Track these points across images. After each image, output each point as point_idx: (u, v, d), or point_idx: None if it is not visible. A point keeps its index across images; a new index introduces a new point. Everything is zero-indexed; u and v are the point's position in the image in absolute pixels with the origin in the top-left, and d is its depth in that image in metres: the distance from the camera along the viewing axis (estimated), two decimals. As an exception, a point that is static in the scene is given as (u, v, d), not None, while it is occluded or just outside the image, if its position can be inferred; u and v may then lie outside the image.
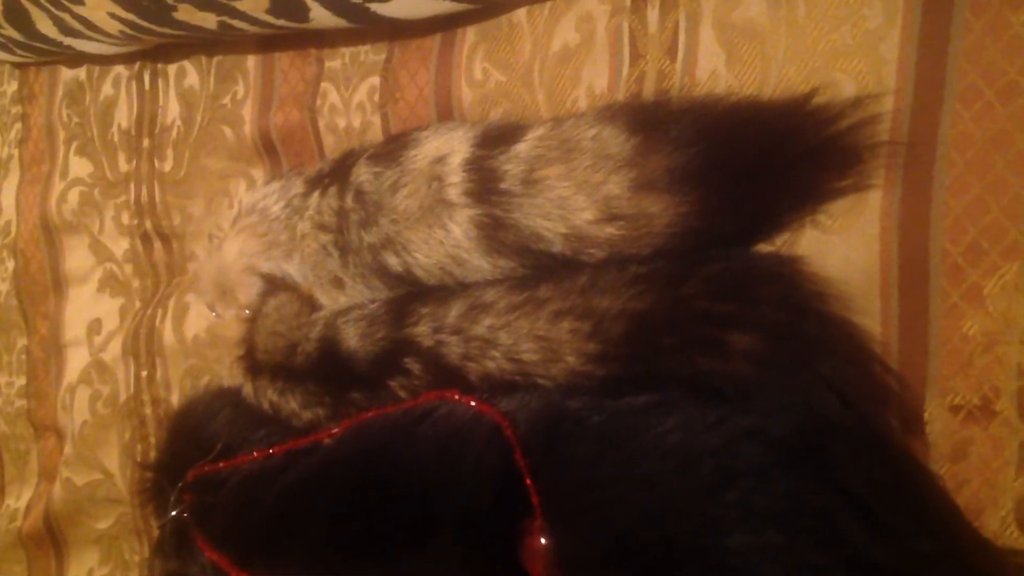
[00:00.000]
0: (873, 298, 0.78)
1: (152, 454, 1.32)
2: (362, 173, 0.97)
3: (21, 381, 1.52)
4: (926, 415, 0.77)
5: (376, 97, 1.08)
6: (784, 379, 0.77)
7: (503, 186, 0.87)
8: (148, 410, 1.31)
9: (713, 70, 0.86)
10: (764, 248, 0.82)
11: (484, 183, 0.88)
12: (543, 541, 0.79)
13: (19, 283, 1.50)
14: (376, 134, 1.08)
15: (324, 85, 1.12)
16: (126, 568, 1.38)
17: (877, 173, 0.78)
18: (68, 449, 1.41)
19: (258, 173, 1.21)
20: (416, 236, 0.92)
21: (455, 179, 0.90)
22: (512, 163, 0.88)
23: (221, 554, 0.95)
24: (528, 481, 0.80)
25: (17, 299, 1.51)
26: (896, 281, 0.77)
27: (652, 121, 0.84)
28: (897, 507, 0.73)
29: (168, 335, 1.28)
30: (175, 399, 1.29)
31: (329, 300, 1.02)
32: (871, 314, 0.78)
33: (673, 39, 0.88)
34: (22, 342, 1.52)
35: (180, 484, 1.02)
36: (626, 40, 0.91)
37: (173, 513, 1.02)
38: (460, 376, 0.89)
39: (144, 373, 1.31)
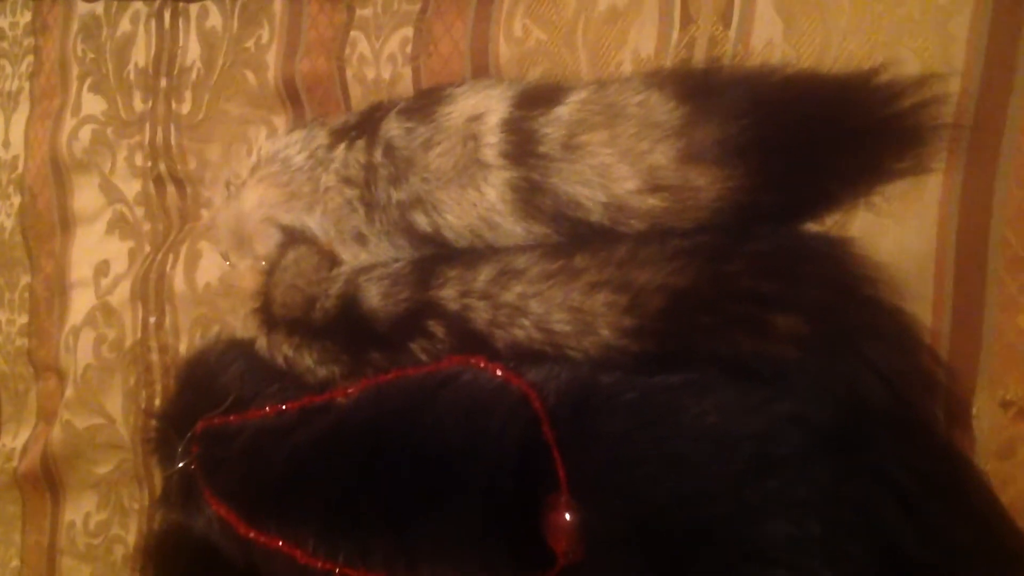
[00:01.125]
0: (926, 286, 0.76)
1: (158, 402, 1.30)
2: (392, 128, 0.94)
3: (23, 320, 1.49)
4: (974, 409, 0.75)
5: (408, 49, 1.04)
6: (828, 364, 0.74)
7: (542, 149, 0.84)
8: (155, 357, 1.29)
9: (769, 39, 0.82)
10: (813, 228, 0.79)
11: (522, 145, 0.85)
12: (568, 517, 0.76)
13: (25, 220, 1.47)
14: (406, 87, 1.04)
15: (354, 33, 1.08)
16: (124, 515, 1.36)
17: (938, 157, 0.75)
18: (69, 392, 1.38)
19: (280, 121, 1.18)
20: (448, 196, 0.89)
21: (491, 139, 0.87)
22: (552, 126, 0.85)
23: (229, 509, 0.92)
24: (555, 455, 0.77)
25: (22, 236, 1.48)
26: (952, 270, 0.75)
27: (703, 90, 0.81)
28: (940, 502, 0.71)
29: (179, 282, 1.26)
30: (183, 347, 1.26)
31: (350, 256, 0.99)
32: (923, 302, 0.76)
33: (728, 5, 0.85)
34: (25, 280, 1.49)
35: (188, 435, 0.99)
36: (677, 3, 0.88)
37: (180, 464, 0.99)
38: (486, 343, 0.87)
39: (152, 319, 1.28)
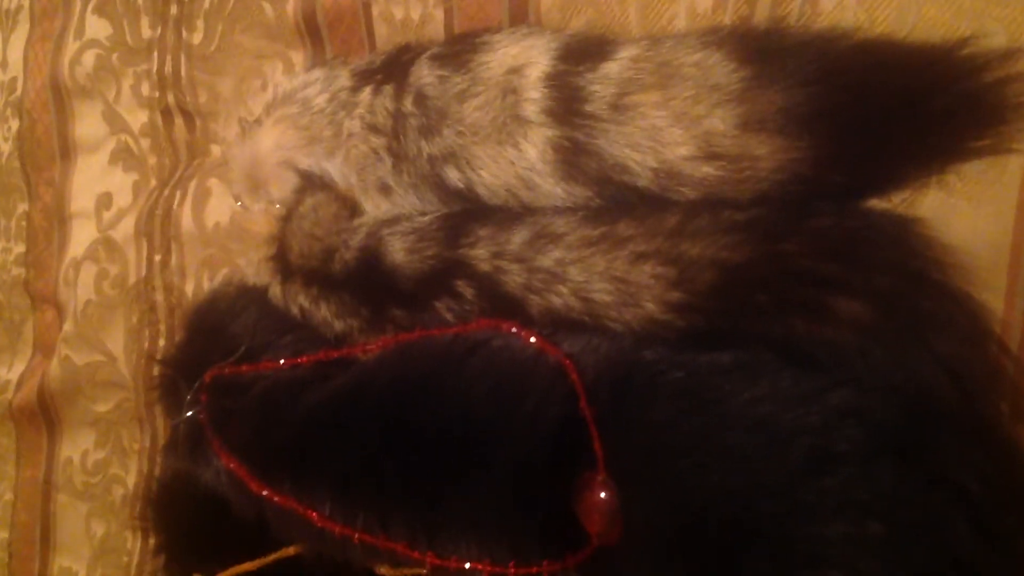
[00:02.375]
0: (1000, 274, 0.72)
1: (162, 342, 1.26)
2: (424, 75, 0.89)
3: (20, 248, 1.45)
4: (1041, 406, 0.71)
5: (440, -11, 0.98)
6: (891, 353, 0.70)
7: (588, 108, 0.79)
8: (159, 296, 1.24)
9: (840, 0, 0.76)
10: (879, 205, 0.74)
11: (567, 102, 0.80)
12: (604, 495, 0.73)
13: (23, 145, 1.41)
14: (436, 30, 0.99)
15: (381, -31, 1.02)
16: (124, 455, 1.33)
17: (1021, 138, 0.69)
18: (68, 326, 1.34)
19: (298, 57, 1.12)
20: (484, 152, 0.84)
21: (534, 94, 0.82)
22: (600, 84, 0.80)
23: (240, 463, 0.89)
24: (593, 431, 0.74)
25: (20, 161, 1.42)
26: (1029, 259, 0.71)
27: (766, 52, 0.76)
28: (1004, 507, 0.67)
29: (187, 220, 1.21)
30: (190, 288, 1.22)
31: (373, 206, 0.94)
32: (995, 291, 0.72)
33: (796, -40, 0.79)
34: (23, 207, 1.44)
35: (197, 384, 0.95)
36: (740, -45, 0.81)
37: (188, 413, 0.95)
38: (519, 308, 0.83)
39: (158, 257, 1.24)
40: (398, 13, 1.01)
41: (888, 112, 0.72)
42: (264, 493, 0.86)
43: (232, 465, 0.89)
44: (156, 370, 1.12)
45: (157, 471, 1.25)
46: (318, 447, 0.86)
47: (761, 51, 0.76)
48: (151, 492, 1.18)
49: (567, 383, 0.77)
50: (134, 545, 1.30)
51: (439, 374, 0.83)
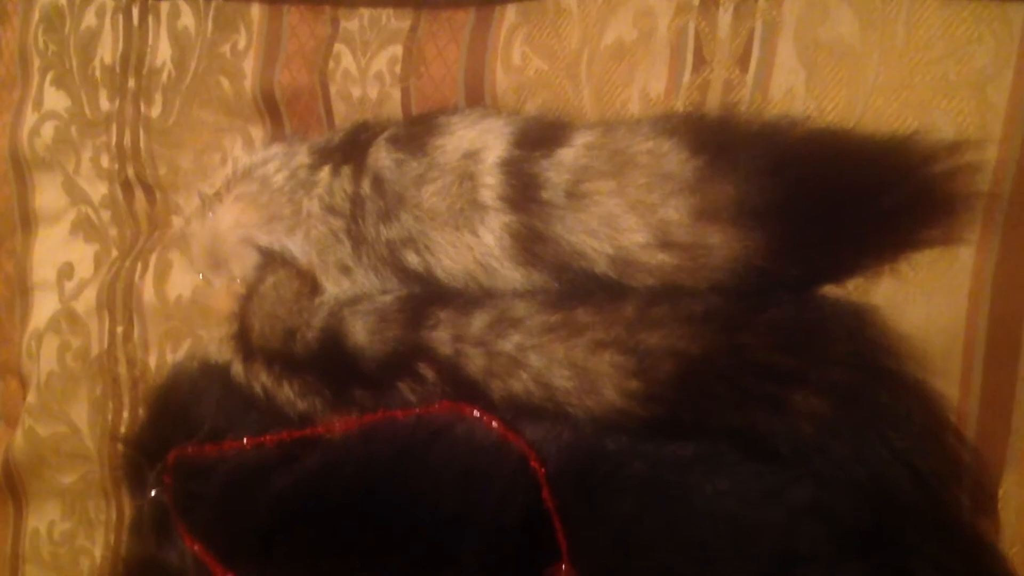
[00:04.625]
0: (954, 362, 0.72)
1: (125, 415, 1.25)
2: (382, 157, 0.89)
3: (-18, 320, 1.43)
4: (1001, 492, 0.71)
5: (397, 69, 0.98)
6: (851, 448, 0.70)
7: (544, 195, 0.79)
8: (122, 369, 1.23)
9: (790, 88, 0.77)
10: (833, 292, 0.75)
11: (523, 189, 0.81)
12: (569, 586, 0.73)
13: (-17, 216, 1.39)
14: (394, 109, 0.98)
15: (338, 47, 1.02)
16: (90, 526, 1.31)
17: (972, 228, 0.70)
18: (32, 397, 1.32)
19: (257, 132, 1.11)
20: (442, 238, 0.84)
21: (490, 180, 0.82)
22: (555, 171, 0.80)
23: (206, 549, 0.88)
24: (556, 523, 0.74)
25: (-20, 232, 1.40)
26: (982, 347, 0.71)
27: (718, 141, 0.77)
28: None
29: (148, 292, 1.20)
30: (153, 361, 1.21)
31: (334, 285, 0.94)
32: (949, 379, 0.72)
33: (746, 48, 0.80)
34: (-16, 277, 1.42)
35: (160, 465, 0.95)
36: (691, 43, 0.82)
37: (152, 494, 0.95)
38: (480, 391, 0.83)
39: (120, 329, 1.22)
40: (355, 92, 1.01)
41: (840, 204, 0.72)
42: (231, 580, 0.85)
43: (197, 549, 0.88)
44: (119, 449, 1.11)
45: (123, 546, 1.23)
46: (284, 535, 0.85)
47: (713, 140, 0.76)
48: (116, 572, 1.17)
49: (530, 472, 0.76)
50: (102, 619, 1.29)
51: (403, 460, 0.83)
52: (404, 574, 0.78)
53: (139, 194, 1.24)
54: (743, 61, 0.80)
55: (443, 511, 0.78)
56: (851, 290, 0.74)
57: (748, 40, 0.79)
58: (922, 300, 0.72)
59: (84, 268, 1.30)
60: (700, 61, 0.82)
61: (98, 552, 1.31)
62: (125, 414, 1.25)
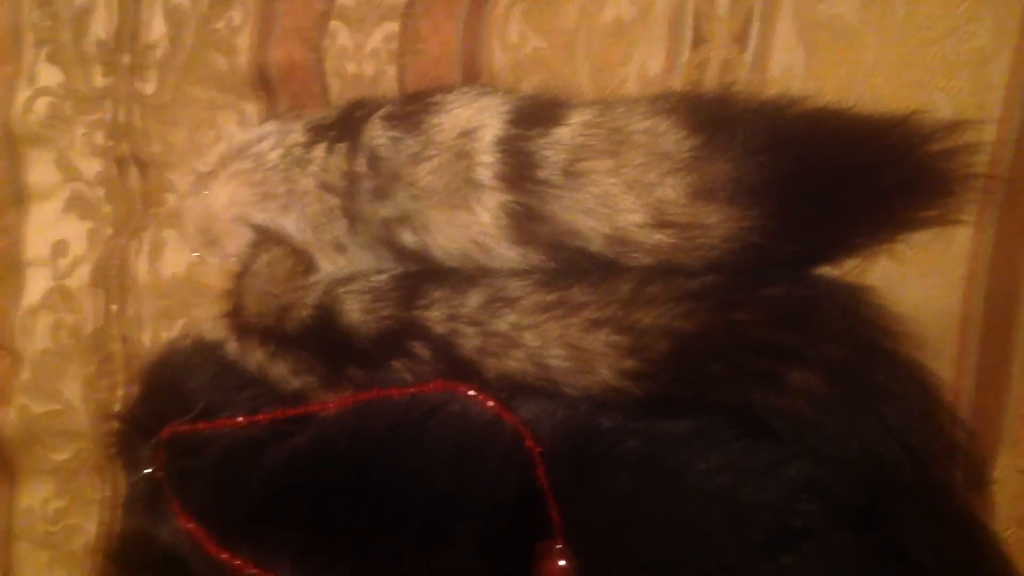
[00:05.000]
0: (950, 342, 0.72)
1: (120, 392, 1.24)
2: (377, 135, 0.88)
3: (-26, 295, 1.42)
4: (995, 473, 0.71)
5: (393, 45, 0.97)
6: (845, 425, 0.70)
7: (541, 174, 0.79)
8: (117, 346, 1.23)
9: (788, 67, 0.77)
10: (830, 272, 0.74)
11: (519, 168, 0.80)
12: (562, 564, 0.73)
13: (-25, 191, 1.38)
14: (390, 86, 0.98)
15: (334, 24, 1.01)
16: (85, 504, 1.30)
17: (969, 209, 0.70)
18: (25, 374, 1.32)
19: (251, 109, 1.11)
20: (438, 216, 0.84)
21: (487, 159, 0.82)
22: (552, 149, 0.80)
23: (199, 525, 0.88)
24: (550, 501, 0.74)
25: (-28, 208, 1.39)
26: (978, 327, 0.72)
27: (716, 120, 0.77)
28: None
29: (142, 270, 1.19)
30: (147, 338, 1.20)
31: (328, 263, 0.94)
32: (945, 359, 0.73)
33: (744, 26, 0.79)
34: (-24, 253, 1.41)
35: (154, 441, 0.95)
36: (689, 20, 0.82)
37: (145, 472, 0.94)
38: (475, 370, 0.83)
39: (114, 307, 1.22)
40: (351, 68, 1.00)
41: (837, 183, 0.72)
42: (223, 556, 0.85)
43: (190, 526, 0.88)
44: (113, 426, 1.11)
45: (117, 524, 1.23)
46: (277, 511, 0.85)
47: (710, 119, 0.76)
48: (110, 548, 1.17)
49: (524, 450, 0.76)
50: (96, 595, 1.29)
51: (397, 437, 0.82)
52: (397, 551, 0.78)
53: (133, 171, 1.23)
54: (741, 39, 0.79)
55: (437, 489, 0.78)
56: (848, 270, 0.74)
57: (747, 18, 0.79)
58: (918, 280, 0.72)
59: (78, 245, 1.29)
60: (699, 39, 0.81)
61: (92, 529, 1.31)
62: (119, 391, 1.25)
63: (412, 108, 0.89)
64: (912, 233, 0.73)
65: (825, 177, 0.73)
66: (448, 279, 0.85)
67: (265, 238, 0.99)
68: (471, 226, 0.82)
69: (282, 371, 0.93)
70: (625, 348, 0.76)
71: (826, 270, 0.75)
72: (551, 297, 0.79)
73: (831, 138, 0.74)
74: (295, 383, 0.93)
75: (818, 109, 0.75)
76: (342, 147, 0.91)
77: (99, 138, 1.22)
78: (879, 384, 0.71)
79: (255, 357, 0.95)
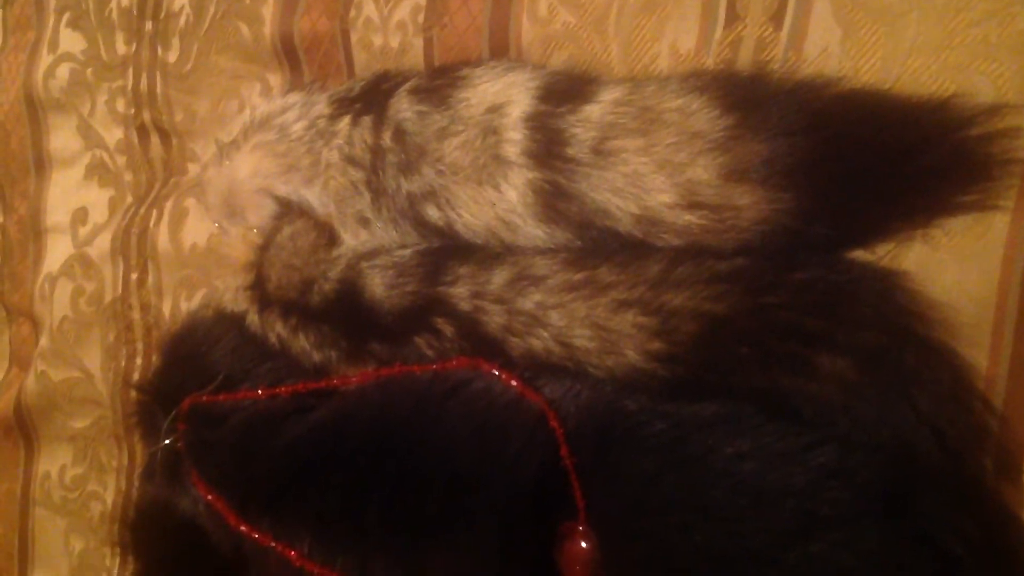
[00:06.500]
0: (984, 330, 0.71)
1: (138, 361, 1.24)
2: (404, 109, 0.88)
3: (-6, 260, 1.42)
4: (1026, 462, 0.70)
5: (420, 18, 0.96)
6: (876, 411, 0.69)
7: (569, 152, 0.78)
8: (136, 315, 1.23)
9: (825, 47, 0.76)
10: (863, 257, 0.73)
11: (548, 145, 0.79)
12: (584, 545, 0.72)
13: (-4, 156, 1.38)
14: (416, 59, 0.97)
15: (360, -6, 1.00)
16: (102, 471, 1.31)
17: (1007, 194, 0.69)
18: (44, 341, 1.32)
19: (275, 79, 1.10)
20: (464, 192, 0.83)
21: (514, 135, 0.81)
22: (581, 127, 0.79)
23: (218, 496, 0.88)
24: (574, 481, 0.73)
25: (-7, 173, 1.39)
26: (1014, 315, 0.70)
27: (750, 99, 0.75)
28: (989, 567, 0.67)
29: (163, 240, 1.19)
30: (167, 308, 1.20)
31: (351, 237, 0.93)
32: (979, 347, 0.71)
33: (781, 4, 0.78)
34: (-3, 218, 1.42)
35: (175, 412, 0.94)
36: (723, -3, 0.80)
37: (166, 442, 0.94)
38: (499, 348, 0.82)
39: (134, 276, 1.22)
40: (377, 40, 0.99)
41: (873, 166, 0.71)
42: (242, 528, 0.85)
43: (210, 498, 0.88)
44: (133, 395, 1.11)
45: (135, 491, 1.24)
46: (297, 484, 0.85)
47: (744, 99, 0.75)
48: (128, 517, 1.17)
49: (548, 430, 0.75)
50: (112, 563, 1.29)
51: (420, 414, 0.82)
52: (418, 527, 0.77)
53: (155, 140, 1.23)
54: (777, 18, 0.78)
55: (458, 466, 0.78)
56: (882, 255, 0.73)
57: (783, -4, 0.77)
58: (954, 266, 0.71)
59: (98, 213, 1.29)
60: (732, 17, 0.80)
61: (109, 497, 1.31)
62: (138, 360, 1.25)
63: (439, 82, 0.88)
64: (949, 218, 0.71)
65: (860, 160, 0.71)
66: (473, 256, 0.84)
67: (288, 210, 0.98)
68: (497, 203, 0.81)
69: (304, 344, 0.92)
70: (652, 329, 0.75)
71: (859, 254, 0.74)
72: (578, 276, 0.78)
73: (867, 120, 0.73)
74: (317, 357, 0.92)
75: (855, 90, 0.74)
76: (367, 120, 0.90)
77: (121, 105, 1.22)
78: (911, 370, 0.70)
79: (276, 330, 0.95)
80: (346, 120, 0.92)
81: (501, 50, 0.92)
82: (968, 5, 0.70)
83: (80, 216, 1.30)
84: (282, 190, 0.97)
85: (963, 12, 0.70)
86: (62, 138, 1.32)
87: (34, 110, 1.33)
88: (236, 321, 1.00)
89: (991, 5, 0.69)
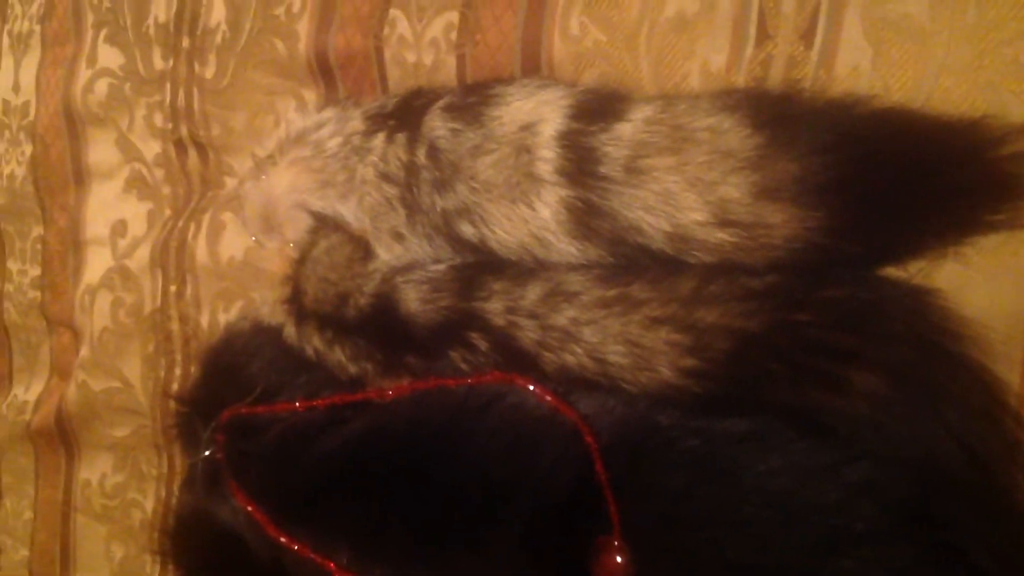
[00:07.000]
0: (1016, 347, 0.72)
1: (177, 372, 1.26)
2: (437, 126, 0.89)
3: (35, 271, 1.45)
4: (1057, 479, 0.71)
5: (453, 35, 0.97)
6: (907, 427, 0.70)
7: (602, 170, 0.79)
8: (175, 326, 1.25)
9: (855, 66, 0.76)
10: (895, 274, 0.74)
11: (580, 163, 0.80)
12: (619, 560, 0.73)
13: (37, 170, 1.41)
14: (449, 76, 0.98)
15: (393, 12, 1.01)
16: (142, 479, 1.33)
17: (1039, 214, 0.69)
18: (85, 352, 1.34)
19: (310, 95, 1.11)
20: (497, 210, 0.84)
21: (547, 154, 0.82)
22: (613, 145, 0.79)
23: (257, 507, 0.89)
24: (608, 496, 0.74)
25: (34, 186, 1.42)
26: (1046, 333, 0.70)
27: (781, 117, 0.76)
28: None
29: (201, 252, 1.21)
30: (205, 319, 1.22)
31: (386, 252, 0.94)
32: (1011, 364, 0.71)
33: (811, 23, 0.78)
34: (37, 230, 1.44)
35: (214, 423, 0.96)
36: (754, 16, 0.81)
37: (206, 453, 0.96)
38: (532, 363, 0.83)
39: (173, 288, 1.24)
40: (410, 57, 1.00)
41: (905, 184, 0.71)
42: (281, 539, 0.86)
43: (249, 508, 0.90)
44: (172, 406, 1.13)
45: (174, 499, 1.26)
46: (334, 495, 0.87)
47: (775, 117, 0.75)
48: (169, 525, 1.19)
49: (582, 445, 0.76)
50: (153, 569, 1.31)
51: (454, 427, 0.83)
52: (451, 540, 0.79)
53: (192, 154, 1.24)
54: (808, 37, 0.78)
55: (492, 480, 0.79)
56: (914, 273, 0.73)
57: (813, 15, 0.78)
58: (985, 284, 0.71)
59: (137, 226, 1.31)
60: (764, 35, 0.81)
61: (149, 505, 1.33)
62: (177, 371, 1.27)
63: (472, 100, 0.89)
64: (980, 236, 0.71)
65: (891, 178, 0.72)
66: (507, 271, 0.85)
67: (323, 225, 0.99)
68: (531, 220, 0.82)
69: (340, 357, 0.94)
70: (685, 346, 0.76)
71: (891, 272, 0.74)
72: (611, 293, 0.79)
73: (898, 138, 0.73)
74: (352, 369, 0.94)
75: (885, 109, 0.74)
76: (401, 137, 0.91)
77: (159, 120, 1.24)
78: (942, 387, 0.70)
79: (313, 343, 0.96)
80: (381, 137, 0.93)
81: (533, 68, 0.93)
82: (999, 24, 0.70)
83: (119, 228, 1.32)
84: (318, 205, 0.98)
85: (994, 32, 0.70)
86: (101, 151, 1.34)
87: (73, 124, 1.35)
88: (273, 334, 1.01)
89: (1022, 25, 0.69)
